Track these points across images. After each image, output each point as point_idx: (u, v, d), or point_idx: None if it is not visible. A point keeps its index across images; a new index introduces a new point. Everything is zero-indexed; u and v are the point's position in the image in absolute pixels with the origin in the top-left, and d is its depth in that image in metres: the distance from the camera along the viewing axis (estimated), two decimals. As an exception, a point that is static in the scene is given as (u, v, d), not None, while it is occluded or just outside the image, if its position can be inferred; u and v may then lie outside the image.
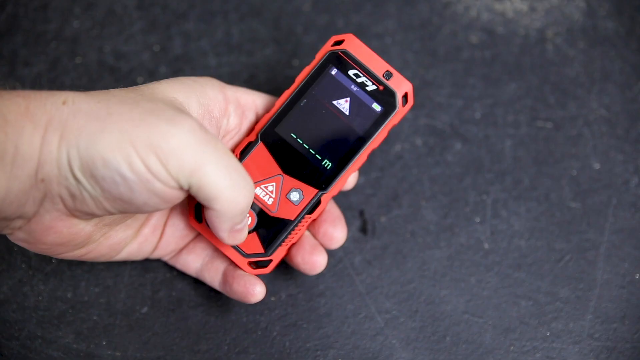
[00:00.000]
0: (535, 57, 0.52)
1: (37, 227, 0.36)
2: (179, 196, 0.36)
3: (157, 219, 0.43)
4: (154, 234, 0.43)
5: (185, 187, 0.35)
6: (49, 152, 0.33)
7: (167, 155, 0.34)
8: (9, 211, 0.34)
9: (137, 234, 0.42)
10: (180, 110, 0.36)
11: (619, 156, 0.50)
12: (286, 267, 0.46)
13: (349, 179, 0.43)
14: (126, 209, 0.36)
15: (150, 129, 0.34)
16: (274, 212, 0.42)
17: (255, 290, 0.42)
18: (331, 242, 0.43)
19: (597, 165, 0.50)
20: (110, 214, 0.36)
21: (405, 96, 0.42)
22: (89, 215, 0.36)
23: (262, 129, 0.42)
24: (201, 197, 0.35)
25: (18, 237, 0.37)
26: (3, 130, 0.32)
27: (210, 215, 0.37)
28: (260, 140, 0.42)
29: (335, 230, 0.43)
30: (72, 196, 0.34)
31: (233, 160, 0.36)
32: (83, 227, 0.37)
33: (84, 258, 0.40)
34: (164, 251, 0.44)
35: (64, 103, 0.34)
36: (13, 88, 0.35)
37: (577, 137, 0.50)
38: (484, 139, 0.50)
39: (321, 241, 0.43)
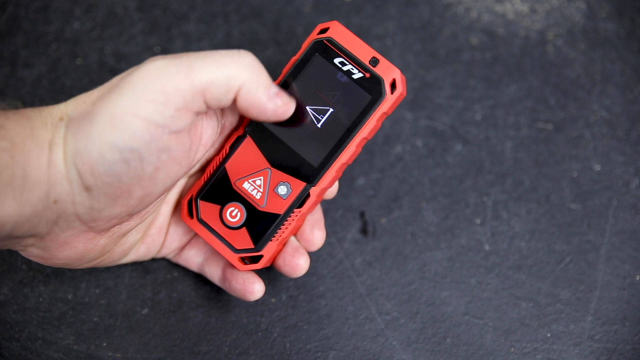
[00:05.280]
0: (536, 58, 0.52)
1: (51, 243, 0.36)
2: (187, 144, 0.36)
3: (162, 219, 0.43)
4: (160, 233, 0.43)
5: (199, 104, 0.35)
6: (57, 172, 0.33)
7: (161, 91, 0.34)
8: (20, 232, 0.34)
9: (145, 236, 0.42)
10: None
11: (619, 158, 0.50)
12: (287, 268, 0.46)
13: (331, 189, 0.42)
14: (143, 195, 0.35)
15: (128, 91, 0.34)
16: (263, 207, 0.41)
17: (254, 288, 0.41)
18: (308, 244, 0.43)
19: (597, 167, 0.50)
20: (129, 213, 0.36)
21: (393, 83, 0.40)
22: (109, 224, 0.36)
23: (249, 122, 0.41)
24: (219, 91, 0.35)
25: (31, 254, 0.36)
26: (10, 154, 0.32)
27: (242, 99, 0.36)
28: (248, 134, 0.41)
29: (312, 232, 0.43)
30: (90, 208, 0.34)
31: (212, 51, 0.36)
32: (98, 241, 0.37)
33: (95, 265, 0.40)
34: (168, 249, 0.44)
35: (60, 119, 0.34)
36: (16, 108, 0.35)
37: (578, 139, 0.50)
38: (485, 140, 0.50)
39: (302, 244, 0.43)
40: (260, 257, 0.41)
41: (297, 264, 0.42)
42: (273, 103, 0.37)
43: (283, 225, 0.41)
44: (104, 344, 0.44)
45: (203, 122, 0.38)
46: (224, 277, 0.43)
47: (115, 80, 0.35)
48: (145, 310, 0.45)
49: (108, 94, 0.34)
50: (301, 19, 0.53)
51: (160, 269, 0.46)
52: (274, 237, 0.41)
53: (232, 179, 0.41)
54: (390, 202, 0.49)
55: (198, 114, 0.36)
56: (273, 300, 0.46)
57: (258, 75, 0.36)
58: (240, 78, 0.35)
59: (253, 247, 0.41)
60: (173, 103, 0.34)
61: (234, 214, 0.41)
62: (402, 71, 0.51)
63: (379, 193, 0.49)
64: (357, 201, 0.48)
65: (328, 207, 0.48)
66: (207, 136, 0.39)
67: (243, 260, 0.41)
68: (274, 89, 0.37)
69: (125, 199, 0.35)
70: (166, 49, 0.51)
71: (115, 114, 0.33)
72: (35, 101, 0.49)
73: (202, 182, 0.42)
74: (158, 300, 0.45)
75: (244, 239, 0.41)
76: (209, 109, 0.36)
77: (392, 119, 0.50)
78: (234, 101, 0.36)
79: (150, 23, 0.52)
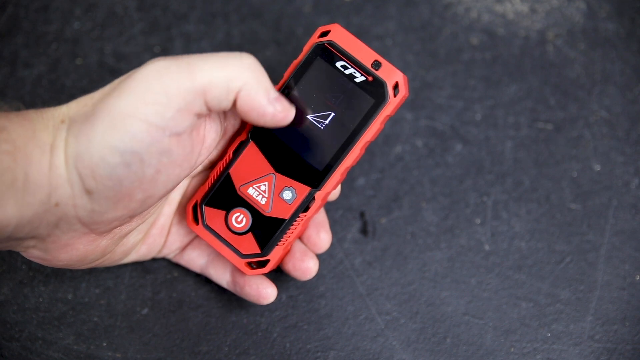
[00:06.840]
0: (536, 58, 0.52)
1: (52, 245, 0.35)
2: (189, 146, 0.35)
3: (164, 220, 0.43)
4: (161, 234, 0.43)
5: (199, 105, 0.34)
6: (59, 176, 0.33)
7: (162, 92, 0.33)
8: (22, 234, 0.34)
9: (146, 236, 0.42)
10: None
11: (619, 158, 0.50)
12: (287, 268, 0.47)
13: (334, 191, 0.42)
14: (144, 198, 0.35)
15: (128, 92, 0.33)
16: (268, 212, 0.41)
17: (267, 292, 0.42)
18: (314, 247, 0.43)
19: (597, 167, 0.50)
20: (131, 215, 0.36)
21: (396, 86, 0.40)
22: (110, 226, 0.36)
23: (252, 127, 0.41)
24: (219, 92, 0.34)
25: (32, 255, 0.36)
26: (12, 157, 0.32)
27: (242, 101, 0.35)
28: (251, 139, 0.41)
29: (318, 236, 0.43)
30: (91, 211, 0.34)
31: (213, 53, 0.36)
32: (99, 243, 0.37)
33: (96, 266, 0.40)
34: (169, 250, 0.44)
35: (62, 122, 0.34)
36: (17, 109, 0.35)
37: (578, 139, 0.50)
38: (485, 140, 0.50)
39: (309, 247, 0.43)
40: (267, 261, 0.41)
41: (307, 267, 0.42)
42: (272, 107, 0.36)
43: (289, 230, 0.41)
44: (104, 344, 0.44)
45: (206, 125, 0.38)
46: (234, 282, 0.43)
47: (116, 82, 0.35)
48: (145, 310, 0.45)
49: (108, 96, 0.34)
50: (301, 19, 0.53)
51: (160, 269, 0.46)
52: (280, 241, 0.41)
53: (237, 184, 0.41)
54: (390, 202, 0.49)
55: (199, 116, 0.36)
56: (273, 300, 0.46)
57: (258, 77, 0.36)
58: (240, 79, 0.35)
59: (259, 252, 0.41)
60: (174, 104, 0.34)
61: (240, 219, 0.41)
62: (402, 71, 0.51)
63: (379, 193, 0.49)
64: (357, 201, 0.48)
65: (328, 207, 0.48)
66: (211, 139, 0.39)
67: (250, 265, 0.42)
68: (274, 93, 0.36)
69: (127, 202, 0.35)
70: (166, 49, 0.51)
71: (115, 116, 0.33)
72: (35, 101, 0.49)
73: (206, 187, 0.42)
74: (158, 300, 0.46)
75: (250, 244, 0.41)
76: (211, 112, 0.36)
77: (392, 119, 0.50)
78: (234, 104, 0.36)
79: (150, 23, 0.52)
